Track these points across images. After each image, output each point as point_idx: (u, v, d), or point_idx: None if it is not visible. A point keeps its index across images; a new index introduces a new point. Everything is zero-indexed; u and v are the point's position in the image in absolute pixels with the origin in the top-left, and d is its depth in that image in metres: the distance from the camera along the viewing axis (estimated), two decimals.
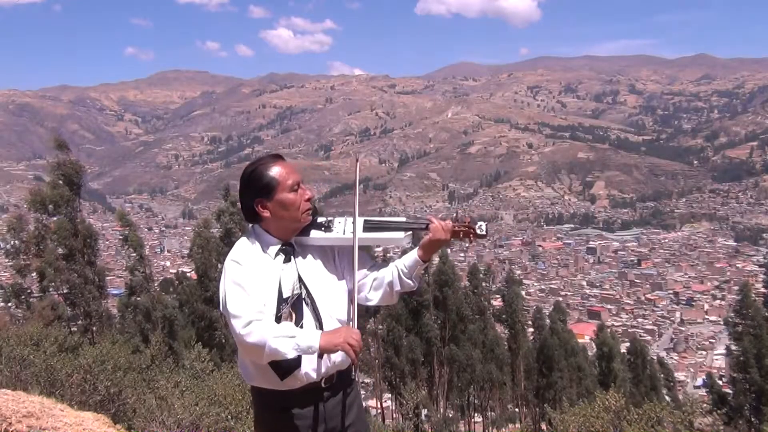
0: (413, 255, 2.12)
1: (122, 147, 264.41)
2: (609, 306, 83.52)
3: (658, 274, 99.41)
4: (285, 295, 2.01)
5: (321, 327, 2.03)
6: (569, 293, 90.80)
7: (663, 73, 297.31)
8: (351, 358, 1.88)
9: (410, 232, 2.13)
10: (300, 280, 2.05)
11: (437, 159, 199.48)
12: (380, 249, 29.23)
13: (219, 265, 18.66)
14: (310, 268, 2.10)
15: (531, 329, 27.72)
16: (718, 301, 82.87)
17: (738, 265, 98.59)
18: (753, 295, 22.67)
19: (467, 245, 23.24)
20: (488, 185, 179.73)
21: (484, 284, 27.08)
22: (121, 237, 19.62)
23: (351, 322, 2.06)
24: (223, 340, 17.68)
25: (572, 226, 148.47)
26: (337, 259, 2.17)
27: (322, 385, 2.05)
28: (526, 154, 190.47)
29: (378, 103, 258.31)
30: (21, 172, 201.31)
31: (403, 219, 2.22)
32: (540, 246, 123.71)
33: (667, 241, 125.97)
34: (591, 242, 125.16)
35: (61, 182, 16.07)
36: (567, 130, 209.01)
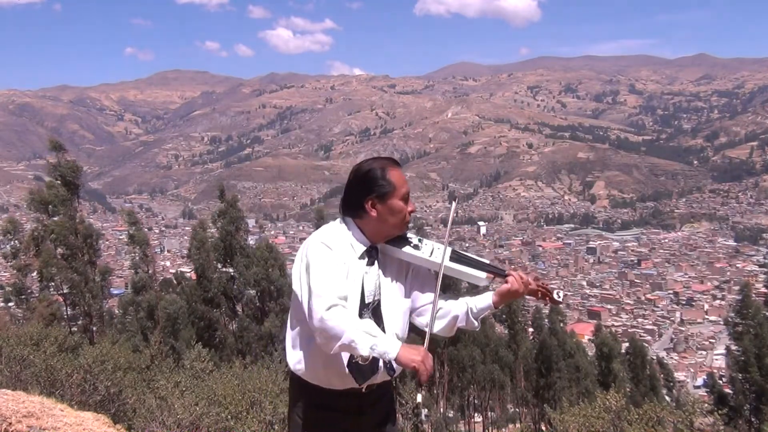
0: (488, 299, 2.12)
1: (122, 147, 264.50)
2: (609, 306, 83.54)
3: (658, 274, 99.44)
4: (367, 300, 2.01)
5: None
6: (569, 293, 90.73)
7: (663, 73, 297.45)
8: (421, 380, 1.82)
9: (492, 276, 2.12)
10: (379, 287, 2.06)
11: (437, 159, 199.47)
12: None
13: (218, 265, 18.64)
14: (387, 277, 2.10)
15: (531, 329, 27.75)
16: (718, 301, 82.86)
17: (738, 265, 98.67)
18: (753, 295, 22.65)
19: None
20: (488, 185, 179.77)
21: None
22: (122, 237, 19.69)
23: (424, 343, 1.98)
24: (223, 340, 17.67)
25: (572, 226, 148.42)
26: (410, 276, 2.16)
27: (364, 390, 2.05)
28: (526, 154, 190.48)
29: (378, 103, 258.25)
30: (21, 172, 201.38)
31: (487, 261, 2.20)
32: (540, 246, 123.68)
33: (667, 241, 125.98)
34: (591, 242, 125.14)
35: (58, 182, 16.08)
36: (567, 130, 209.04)
